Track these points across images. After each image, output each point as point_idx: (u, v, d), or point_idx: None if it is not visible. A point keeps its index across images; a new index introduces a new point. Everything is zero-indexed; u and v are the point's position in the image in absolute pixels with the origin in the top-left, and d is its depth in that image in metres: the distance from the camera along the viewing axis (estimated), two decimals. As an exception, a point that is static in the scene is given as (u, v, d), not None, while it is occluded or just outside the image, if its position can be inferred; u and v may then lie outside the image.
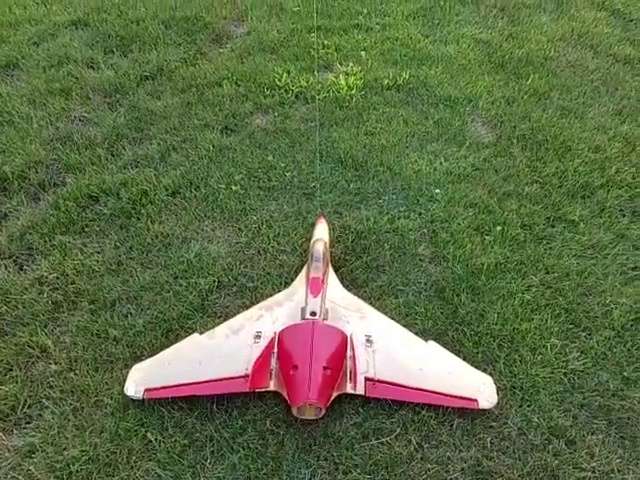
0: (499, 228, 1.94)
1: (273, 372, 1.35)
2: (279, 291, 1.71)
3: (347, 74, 2.92)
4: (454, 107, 2.68)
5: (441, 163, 2.30)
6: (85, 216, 2.07)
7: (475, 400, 1.33)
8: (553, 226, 1.97)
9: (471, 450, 1.28)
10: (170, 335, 1.61)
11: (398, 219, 2.03)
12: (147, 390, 1.39)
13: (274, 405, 1.39)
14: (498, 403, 1.36)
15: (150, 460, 1.30)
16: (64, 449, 1.32)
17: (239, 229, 2.01)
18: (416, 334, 1.54)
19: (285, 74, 2.88)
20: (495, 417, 1.35)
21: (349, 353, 1.38)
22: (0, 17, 3.57)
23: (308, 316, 1.45)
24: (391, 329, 1.52)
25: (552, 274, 1.76)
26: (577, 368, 1.48)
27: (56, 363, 1.54)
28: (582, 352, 1.52)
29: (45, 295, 1.74)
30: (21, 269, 1.86)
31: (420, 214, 2.05)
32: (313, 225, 1.89)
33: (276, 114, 2.60)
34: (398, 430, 1.32)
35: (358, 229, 1.99)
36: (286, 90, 2.77)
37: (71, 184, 2.21)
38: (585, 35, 3.41)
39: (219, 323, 1.59)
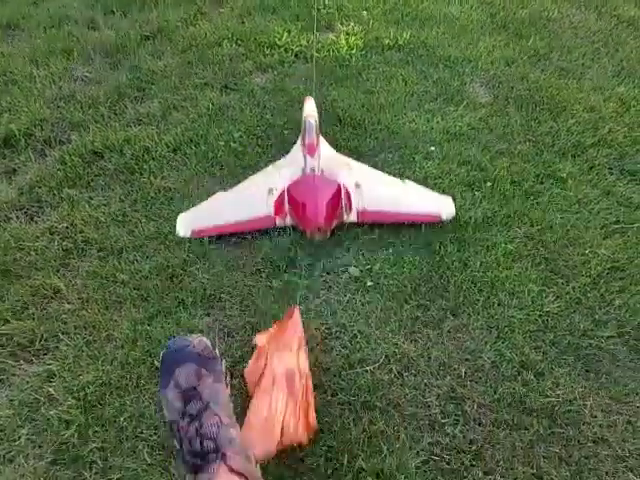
0: (489, 184, 2.01)
1: (287, 213, 1.80)
2: (276, 243, 1.83)
3: (348, 34, 2.92)
4: (453, 67, 2.69)
5: (438, 122, 2.35)
6: (90, 171, 2.16)
7: (438, 215, 1.83)
8: (542, 183, 2.04)
9: (446, 379, 1.42)
10: (174, 279, 1.73)
11: (393, 176, 2.10)
12: (193, 231, 1.83)
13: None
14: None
15: (157, 385, 1.44)
16: (79, 375, 1.46)
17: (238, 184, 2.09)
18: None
19: (285, 33, 2.89)
20: (470, 351, 1.48)
21: (343, 196, 1.78)
22: (-2, -24, 3.56)
23: (308, 172, 1.82)
24: (374, 175, 1.98)
25: (536, 227, 1.84)
26: (552, 310, 1.59)
27: (69, 303, 1.67)
28: (558, 297, 1.63)
29: (56, 243, 1.86)
30: (32, 220, 1.97)
31: (414, 171, 2.12)
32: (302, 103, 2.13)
33: (275, 73, 2.64)
34: (381, 360, 1.45)
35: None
36: (286, 49, 2.79)
37: (76, 141, 2.30)
38: (592, -5, 3.35)
39: (220, 270, 1.73)
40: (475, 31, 3.01)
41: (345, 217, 1.79)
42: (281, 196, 1.81)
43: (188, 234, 1.82)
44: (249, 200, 1.86)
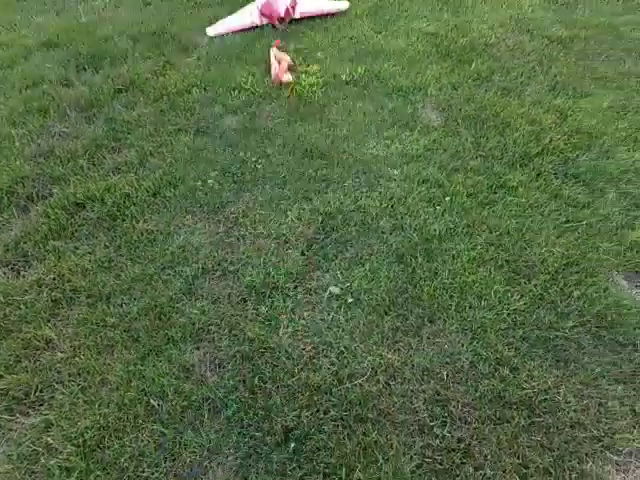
0: (448, 199, 2.12)
1: (262, 19, 3.59)
2: (258, 272, 1.87)
3: (307, 73, 3.06)
4: (406, 96, 2.85)
5: (396, 147, 2.47)
6: (74, 222, 2.16)
7: (339, 9, 3.74)
8: (495, 193, 2.16)
9: (430, 383, 1.46)
10: (162, 317, 1.74)
11: (361, 199, 2.18)
12: (217, 34, 3.55)
13: (261, 364, 1.54)
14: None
15: (154, 422, 1.43)
16: (77, 421, 1.44)
17: (218, 220, 2.13)
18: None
19: (250, 77, 3.00)
20: (449, 354, 1.53)
21: (290, 7, 3.54)
22: (-29, 44, 3.60)
23: None
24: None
25: (495, 233, 1.94)
26: (519, 308, 1.66)
27: (61, 352, 1.65)
28: (522, 295, 1.71)
29: (44, 295, 1.84)
30: (19, 274, 1.95)
31: (380, 193, 2.21)
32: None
33: (244, 114, 2.73)
34: (368, 373, 1.48)
35: (326, 211, 2.13)
36: (252, 92, 2.90)
37: (58, 194, 2.30)
38: (522, 21, 3.63)
39: (207, 303, 1.76)
40: (422, 61, 3.20)
41: (293, 16, 3.59)
42: (260, 18, 3.56)
43: (214, 34, 3.56)
44: (241, 17, 3.63)
